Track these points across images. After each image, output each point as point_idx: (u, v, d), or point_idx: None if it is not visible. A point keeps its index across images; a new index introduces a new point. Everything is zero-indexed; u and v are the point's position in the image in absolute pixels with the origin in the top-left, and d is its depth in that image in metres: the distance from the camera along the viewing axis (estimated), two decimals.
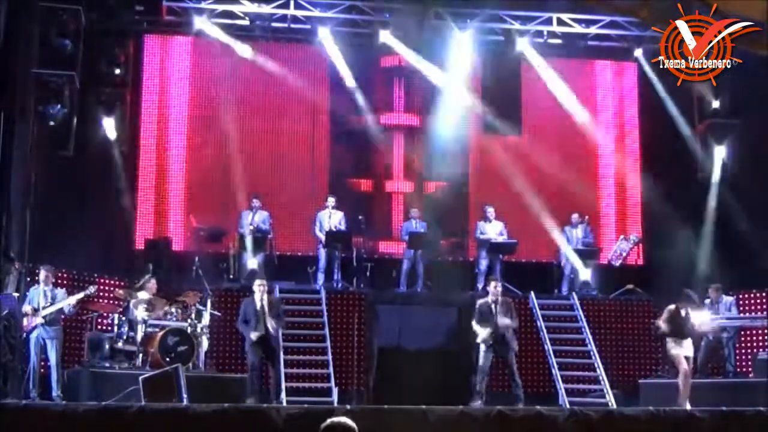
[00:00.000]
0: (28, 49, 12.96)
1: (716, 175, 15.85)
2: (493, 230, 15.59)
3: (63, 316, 12.20)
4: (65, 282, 13.27)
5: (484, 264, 15.49)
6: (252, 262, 14.97)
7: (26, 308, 11.67)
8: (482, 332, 12.43)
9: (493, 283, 12.77)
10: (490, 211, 15.70)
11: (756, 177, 15.05)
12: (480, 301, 12.75)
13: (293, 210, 16.34)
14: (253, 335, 11.98)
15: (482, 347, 12.46)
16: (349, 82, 16.61)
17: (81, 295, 12.19)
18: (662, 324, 12.20)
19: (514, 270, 15.56)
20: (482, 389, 12.31)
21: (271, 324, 12.06)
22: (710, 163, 15.99)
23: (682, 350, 12.10)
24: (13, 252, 12.25)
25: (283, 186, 16.56)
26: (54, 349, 11.82)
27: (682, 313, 12.13)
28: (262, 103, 16.87)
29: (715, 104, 15.84)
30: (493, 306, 12.46)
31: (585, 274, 15.52)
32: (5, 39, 11.80)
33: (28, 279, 12.53)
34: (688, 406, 11.46)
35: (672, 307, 12.18)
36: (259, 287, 12.22)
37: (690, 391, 11.94)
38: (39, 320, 11.71)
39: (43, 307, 11.75)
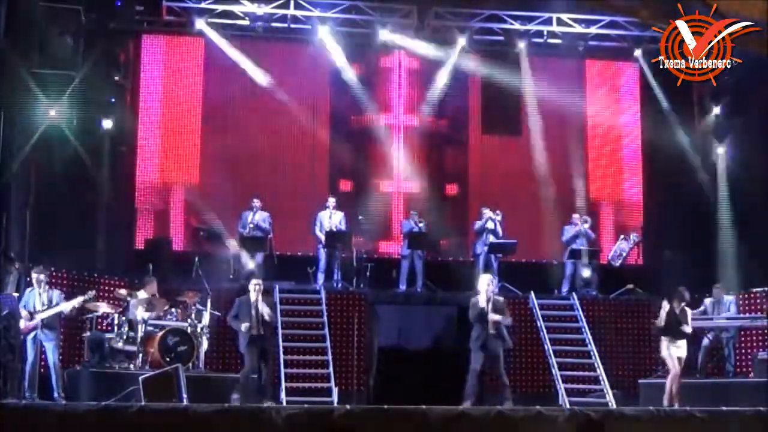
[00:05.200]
0: (28, 49, 12.95)
1: (716, 175, 15.85)
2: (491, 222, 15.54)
3: (62, 318, 12.11)
4: (65, 282, 13.25)
5: (482, 262, 15.44)
6: (251, 262, 14.98)
7: (22, 312, 11.50)
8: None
9: (486, 283, 12.46)
10: (486, 212, 15.67)
11: (756, 176, 15.06)
12: (473, 299, 12.57)
13: (293, 210, 16.31)
14: (244, 326, 11.91)
15: (472, 347, 12.15)
16: (349, 82, 16.62)
17: (80, 299, 12.05)
18: (658, 322, 12.22)
19: (514, 270, 15.55)
20: (471, 391, 11.90)
21: (266, 311, 12.05)
22: (710, 163, 15.98)
23: (675, 351, 12.09)
24: (13, 252, 12.25)
25: (283, 186, 16.54)
26: (53, 351, 11.72)
27: (677, 311, 12.13)
28: (262, 103, 16.83)
29: (715, 104, 15.85)
30: (486, 304, 12.29)
31: (586, 272, 15.51)
32: (5, 38, 11.80)
33: (28, 279, 12.48)
34: (677, 406, 11.46)
35: (667, 306, 12.19)
36: (254, 287, 12.22)
37: (680, 392, 11.92)
38: (36, 322, 11.58)
39: (40, 311, 11.59)
